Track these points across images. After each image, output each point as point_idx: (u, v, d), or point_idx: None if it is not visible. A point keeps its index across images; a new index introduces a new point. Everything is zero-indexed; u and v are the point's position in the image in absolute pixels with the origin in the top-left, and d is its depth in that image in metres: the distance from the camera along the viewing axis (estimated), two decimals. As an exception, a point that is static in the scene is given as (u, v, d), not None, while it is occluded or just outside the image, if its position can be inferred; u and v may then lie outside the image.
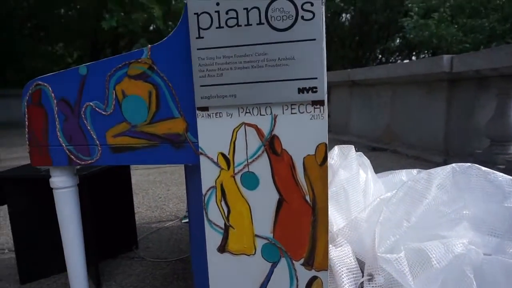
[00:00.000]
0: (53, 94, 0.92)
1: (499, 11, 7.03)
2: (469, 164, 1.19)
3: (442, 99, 3.43)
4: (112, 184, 1.59)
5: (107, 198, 1.55)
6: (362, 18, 12.02)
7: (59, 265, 1.31)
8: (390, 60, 12.87)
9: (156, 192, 2.70)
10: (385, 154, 3.92)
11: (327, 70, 0.84)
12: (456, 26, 7.13)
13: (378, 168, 1.59)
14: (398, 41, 11.01)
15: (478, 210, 1.13)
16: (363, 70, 4.99)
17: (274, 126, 0.82)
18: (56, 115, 0.92)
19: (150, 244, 1.77)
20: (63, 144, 0.94)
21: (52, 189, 1.02)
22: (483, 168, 1.18)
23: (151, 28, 9.93)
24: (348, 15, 12.96)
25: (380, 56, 13.47)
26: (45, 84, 0.92)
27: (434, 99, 3.53)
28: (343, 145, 1.41)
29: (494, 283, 0.99)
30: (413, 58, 11.75)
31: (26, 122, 0.94)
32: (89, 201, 1.28)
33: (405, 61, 11.64)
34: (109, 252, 1.60)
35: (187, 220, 2.01)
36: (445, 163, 3.08)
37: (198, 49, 0.80)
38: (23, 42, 10.61)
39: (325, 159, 0.81)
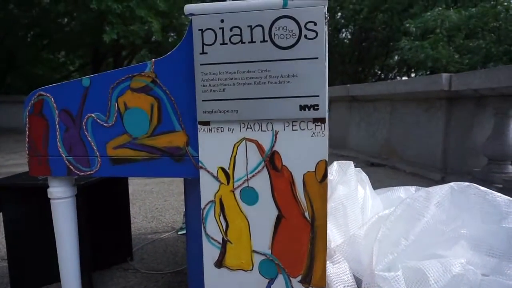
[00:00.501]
0: (55, 105, 0.92)
1: (495, 33, 7.15)
2: (467, 183, 1.20)
3: (440, 117, 3.45)
4: (109, 194, 1.58)
5: (104, 208, 1.54)
6: (362, 35, 12.19)
7: (52, 275, 1.29)
8: (389, 76, 13.01)
9: (153, 203, 2.68)
10: (384, 169, 3.92)
11: (327, 86, 0.85)
12: (452, 47, 7.24)
13: (376, 183, 1.59)
14: (396, 58, 11.15)
15: (476, 230, 1.13)
16: (362, 86, 5.04)
17: (275, 142, 0.82)
18: (57, 126, 0.93)
19: (145, 255, 1.75)
20: (63, 155, 0.94)
21: (48, 198, 1.01)
22: (482, 188, 1.19)
23: (153, 39, 10.03)
24: (348, 31, 13.17)
25: (379, 72, 13.62)
26: (48, 94, 0.92)
27: (433, 116, 3.56)
28: (342, 161, 1.42)
29: (493, 305, 0.98)
30: (412, 75, 11.88)
31: (27, 132, 0.94)
32: (86, 211, 1.27)
33: (404, 78, 11.78)
34: (103, 263, 1.58)
35: (183, 232, 1.99)
36: (443, 180, 3.09)
37: (201, 64, 0.81)
38: (26, 50, 10.68)
39: (325, 176, 0.81)
